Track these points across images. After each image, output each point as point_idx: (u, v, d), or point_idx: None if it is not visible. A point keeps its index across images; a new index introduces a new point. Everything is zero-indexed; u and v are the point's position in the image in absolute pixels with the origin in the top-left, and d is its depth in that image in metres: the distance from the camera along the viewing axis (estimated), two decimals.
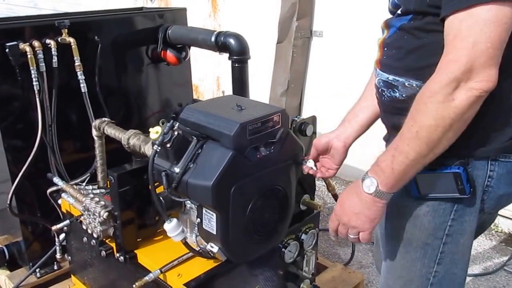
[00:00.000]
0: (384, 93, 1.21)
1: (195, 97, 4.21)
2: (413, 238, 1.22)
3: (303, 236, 1.71)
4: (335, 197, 1.92)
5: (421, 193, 1.16)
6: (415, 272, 1.23)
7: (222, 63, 3.11)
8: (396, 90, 1.17)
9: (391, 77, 1.18)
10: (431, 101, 0.99)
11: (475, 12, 0.93)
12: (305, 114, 3.69)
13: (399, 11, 1.14)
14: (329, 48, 3.51)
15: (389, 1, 1.22)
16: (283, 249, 1.64)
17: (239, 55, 2.06)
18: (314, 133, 1.77)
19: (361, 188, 1.12)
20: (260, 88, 3.59)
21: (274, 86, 3.72)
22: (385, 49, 1.20)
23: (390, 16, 1.22)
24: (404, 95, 1.15)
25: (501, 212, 2.89)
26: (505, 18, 0.93)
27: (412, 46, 1.09)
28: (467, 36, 0.94)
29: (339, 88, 3.40)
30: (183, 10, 2.44)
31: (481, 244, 2.82)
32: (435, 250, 1.20)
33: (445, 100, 0.97)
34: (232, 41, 2.06)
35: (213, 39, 2.10)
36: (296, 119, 1.72)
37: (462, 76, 0.95)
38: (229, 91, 2.09)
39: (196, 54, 2.59)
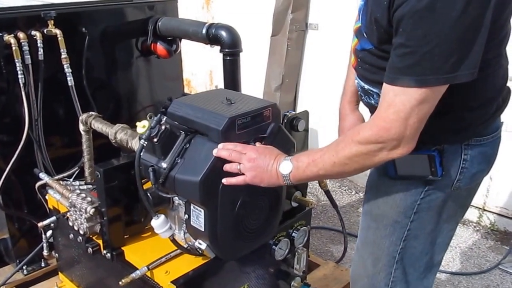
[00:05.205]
0: (362, 97, 1.34)
1: (187, 91, 4.18)
2: (384, 215, 1.32)
3: (294, 233, 1.69)
4: (327, 193, 1.90)
5: (397, 172, 1.26)
6: (383, 249, 1.35)
7: (215, 57, 3.07)
8: (372, 98, 1.27)
9: (366, 86, 1.28)
10: (356, 149, 1.13)
11: (409, 92, 1.04)
12: (300, 109, 3.65)
13: (364, 34, 1.19)
14: (324, 41, 3.47)
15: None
16: (273, 247, 1.62)
17: (230, 48, 2.03)
18: (306, 130, 1.74)
19: (280, 161, 1.24)
20: (254, 83, 3.55)
21: (268, 80, 3.69)
22: (359, 60, 1.26)
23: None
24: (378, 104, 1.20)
25: (497, 210, 2.88)
26: (432, 98, 1.06)
27: (382, 65, 1.13)
28: (399, 111, 1.06)
29: (334, 82, 3.37)
30: (174, 1, 2.40)
31: (476, 242, 2.80)
32: (402, 228, 1.31)
33: (368, 154, 1.12)
34: (223, 33, 2.02)
35: (204, 31, 2.05)
36: (287, 114, 1.69)
37: (389, 144, 1.10)
38: (222, 85, 2.06)
39: (188, 48, 2.55)
